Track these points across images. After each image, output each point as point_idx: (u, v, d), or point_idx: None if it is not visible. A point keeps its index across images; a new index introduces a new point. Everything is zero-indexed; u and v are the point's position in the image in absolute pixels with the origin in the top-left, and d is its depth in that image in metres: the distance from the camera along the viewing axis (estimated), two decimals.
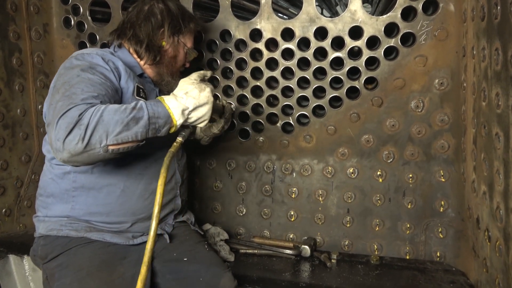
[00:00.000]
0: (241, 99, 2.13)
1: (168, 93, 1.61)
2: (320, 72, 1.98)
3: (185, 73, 1.72)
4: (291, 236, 2.09)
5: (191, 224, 1.82)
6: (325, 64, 1.93)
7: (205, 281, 1.50)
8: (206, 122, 1.44)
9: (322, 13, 2.29)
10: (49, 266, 1.47)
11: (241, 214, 2.18)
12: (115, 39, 1.66)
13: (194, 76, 1.46)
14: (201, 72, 1.51)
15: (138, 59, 1.64)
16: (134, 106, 1.28)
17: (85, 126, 1.20)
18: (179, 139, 1.40)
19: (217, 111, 1.84)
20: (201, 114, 1.41)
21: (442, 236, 1.86)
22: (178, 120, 1.35)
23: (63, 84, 1.33)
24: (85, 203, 1.52)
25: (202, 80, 1.48)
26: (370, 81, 1.91)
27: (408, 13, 1.84)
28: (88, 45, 2.25)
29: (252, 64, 2.04)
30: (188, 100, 1.37)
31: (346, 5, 1.86)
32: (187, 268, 1.54)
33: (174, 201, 1.71)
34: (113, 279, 1.37)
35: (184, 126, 1.42)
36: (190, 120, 1.41)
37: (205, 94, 1.40)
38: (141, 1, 1.67)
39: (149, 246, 1.23)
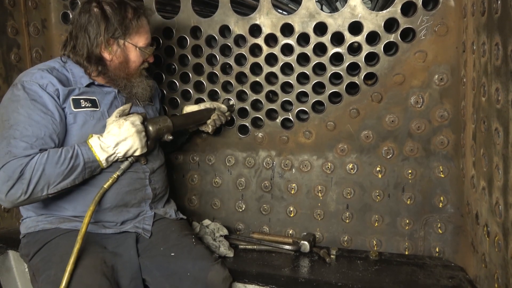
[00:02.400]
0: (241, 95, 2.13)
1: (128, 95, 1.69)
2: (319, 68, 1.98)
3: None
4: (290, 232, 2.10)
5: (170, 217, 1.81)
6: (324, 59, 1.93)
7: (192, 276, 1.50)
8: (140, 150, 1.55)
9: (321, 9, 2.29)
10: (33, 262, 1.50)
11: (241, 210, 2.18)
12: (60, 51, 1.64)
13: (115, 113, 1.55)
14: (120, 108, 1.57)
15: (84, 69, 1.61)
16: (72, 154, 1.42)
17: (28, 181, 1.34)
18: (116, 173, 1.53)
19: (198, 118, 1.92)
20: (128, 147, 1.52)
21: (441, 232, 1.87)
22: (101, 157, 1.48)
23: (3, 122, 1.42)
24: (53, 200, 1.55)
25: (123, 114, 1.55)
26: (369, 76, 1.91)
27: (408, 9, 1.83)
28: None
29: (251, 59, 2.03)
30: (108, 138, 1.49)
31: (345, 1, 1.85)
32: (174, 264, 1.54)
33: (143, 190, 1.69)
34: (96, 265, 1.39)
35: (122, 159, 1.55)
36: (120, 155, 1.53)
37: (124, 128, 1.50)
38: (81, 6, 1.58)
39: (71, 260, 1.32)
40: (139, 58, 1.65)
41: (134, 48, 1.62)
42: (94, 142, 1.48)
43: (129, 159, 1.56)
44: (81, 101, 1.55)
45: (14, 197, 1.34)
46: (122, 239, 1.61)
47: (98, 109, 1.59)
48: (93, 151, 1.46)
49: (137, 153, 1.56)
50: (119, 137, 1.49)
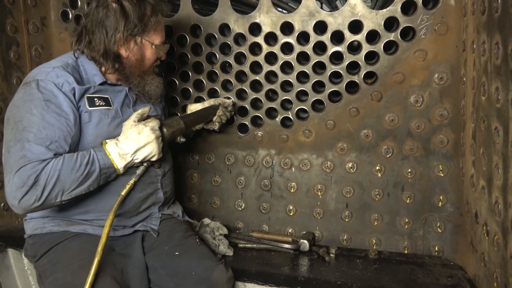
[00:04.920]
0: (240, 94, 2.12)
1: (139, 93, 1.65)
2: (319, 67, 1.98)
3: (161, 66, 1.73)
4: (289, 230, 2.10)
5: (178, 217, 1.82)
6: (324, 58, 1.92)
7: (197, 275, 1.50)
8: (157, 156, 1.51)
9: (321, 7, 2.29)
10: (40, 263, 1.50)
11: (240, 209, 2.18)
12: (73, 45, 1.57)
13: (133, 117, 1.50)
14: (139, 111, 1.52)
15: (99, 66, 1.56)
16: (88, 160, 1.38)
17: (42, 188, 1.30)
18: (133, 180, 1.49)
19: (205, 116, 1.90)
20: (147, 153, 1.48)
21: (440, 231, 1.87)
22: (119, 164, 1.44)
23: (16, 123, 1.36)
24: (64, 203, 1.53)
25: (141, 119, 1.51)
26: (369, 75, 1.90)
27: (408, 7, 1.83)
28: None
29: (251, 58, 2.03)
30: (127, 144, 1.44)
31: None
32: (178, 263, 1.54)
33: (155, 194, 1.70)
34: (105, 269, 1.39)
35: (137, 164, 1.51)
36: (138, 160, 1.49)
37: (144, 135, 1.46)
38: (96, 0, 1.51)
39: (92, 271, 1.30)
40: (154, 56, 1.63)
41: (151, 45, 1.59)
42: (112, 149, 1.43)
43: (145, 164, 1.53)
44: (95, 99, 1.52)
45: (28, 203, 1.30)
46: (130, 240, 1.61)
47: (111, 108, 1.56)
48: (111, 159, 1.42)
49: (154, 159, 1.52)
50: (138, 143, 1.45)
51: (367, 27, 1.82)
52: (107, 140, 1.47)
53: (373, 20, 1.81)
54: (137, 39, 1.55)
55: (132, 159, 1.47)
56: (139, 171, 1.52)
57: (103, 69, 1.56)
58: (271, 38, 2.00)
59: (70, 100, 1.43)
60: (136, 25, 1.50)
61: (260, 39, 1.99)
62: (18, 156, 1.31)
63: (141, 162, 1.52)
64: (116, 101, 1.60)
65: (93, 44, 1.51)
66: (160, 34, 1.62)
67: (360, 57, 1.87)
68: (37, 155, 1.32)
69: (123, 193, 1.46)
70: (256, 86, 2.09)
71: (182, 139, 1.67)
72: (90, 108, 1.49)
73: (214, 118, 1.95)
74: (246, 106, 2.10)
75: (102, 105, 1.53)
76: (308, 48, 1.93)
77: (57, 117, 1.39)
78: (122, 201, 1.45)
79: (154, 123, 1.50)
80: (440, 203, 1.86)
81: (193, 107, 1.98)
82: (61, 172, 1.32)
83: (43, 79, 1.42)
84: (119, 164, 1.44)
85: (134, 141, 1.44)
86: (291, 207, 2.09)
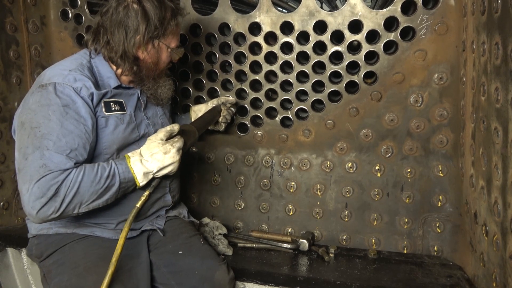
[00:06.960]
0: (240, 93, 2.12)
1: (151, 95, 1.62)
2: (319, 66, 1.97)
3: (172, 69, 1.72)
4: (289, 230, 2.10)
5: (184, 218, 1.82)
6: (324, 58, 1.92)
7: (200, 274, 1.50)
8: (175, 171, 1.50)
9: (321, 7, 2.28)
10: (45, 264, 1.49)
11: (240, 208, 2.18)
12: (90, 44, 1.53)
13: (161, 135, 1.46)
14: (168, 128, 1.48)
15: (115, 67, 1.54)
16: (108, 173, 1.36)
17: (61, 199, 1.27)
18: (148, 191, 1.47)
19: (212, 120, 1.88)
20: (168, 171, 1.48)
21: (439, 231, 1.87)
22: (141, 182, 1.44)
23: (33, 129, 1.32)
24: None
25: (170, 137, 1.48)
26: (369, 75, 1.91)
27: (408, 7, 1.83)
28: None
29: (251, 57, 2.03)
30: (153, 163, 1.43)
31: None
32: (182, 261, 1.54)
33: (163, 198, 1.70)
34: (114, 276, 1.37)
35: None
36: (158, 177, 1.49)
37: (170, 155, 1.44)
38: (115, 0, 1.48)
39: (111, 270, 1.29)
40: (168, 59, 1.60)
41: (167, 48, 1.56)
42: (137, 167, 1.41)
43: (160, 178, 1.51)
44: (111, 104, 1.49)
45: (46, 214, 1.27)
46: (137, 240, 1.61)
47: (126, 112, 1.54)
48: (134, 176, 1.41)
49: (171, 174, 1.51)
50: (163, 163, 1.43)
51: (367, 27, 1.82)
52: (129, 154, 1.44)
53: (373, 20, 1.81)
54: (155, 42, 1.52)
55: (153, 176, 1.46)
56: (154, 182, 1.50)
57: (119, 71, 1.54)
58: (271, 37, 2.00)
59: (88, 106, 1.40)
60: (156, 28, 1.47)
61: (260, 39, 1.99)
62: (37, 165, 1.27)
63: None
64: (129, 104, 1.58)
65: (111, 44, 1.47)
66: (176, 38, 1.59)
67: (360, 57, 1.87)
68: (58, 165, 1.28)
69: (138, 205, 1.42)
70: (255, 85, 2.09)
71: (193, 150, 1.66)
72: (106, 114, 1.46)
73: (220, 119, 1.95)
74: (246, 105, 2.10)
75: (117, 110, 1.50)
76: (308, 48, 1.93)
77: (76, 124, 1.36)
78: (137, 213, 1.42)
79: (180, 144, 1.48)
80: (439, 203, 1.86)
81: (196, 108, 1.96)
82: (81, 184, 1.30)
83: (60, 82, 1.37)
84: (142, 181, 1.43)
85: (160, 161, 1.43)
86: (290, 207, 2.09)
